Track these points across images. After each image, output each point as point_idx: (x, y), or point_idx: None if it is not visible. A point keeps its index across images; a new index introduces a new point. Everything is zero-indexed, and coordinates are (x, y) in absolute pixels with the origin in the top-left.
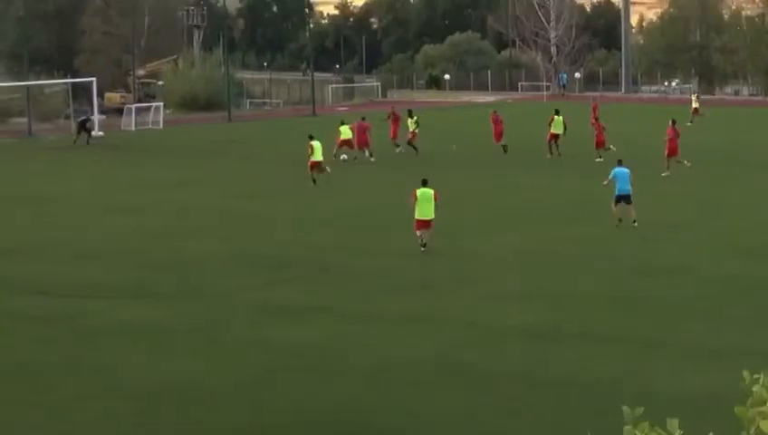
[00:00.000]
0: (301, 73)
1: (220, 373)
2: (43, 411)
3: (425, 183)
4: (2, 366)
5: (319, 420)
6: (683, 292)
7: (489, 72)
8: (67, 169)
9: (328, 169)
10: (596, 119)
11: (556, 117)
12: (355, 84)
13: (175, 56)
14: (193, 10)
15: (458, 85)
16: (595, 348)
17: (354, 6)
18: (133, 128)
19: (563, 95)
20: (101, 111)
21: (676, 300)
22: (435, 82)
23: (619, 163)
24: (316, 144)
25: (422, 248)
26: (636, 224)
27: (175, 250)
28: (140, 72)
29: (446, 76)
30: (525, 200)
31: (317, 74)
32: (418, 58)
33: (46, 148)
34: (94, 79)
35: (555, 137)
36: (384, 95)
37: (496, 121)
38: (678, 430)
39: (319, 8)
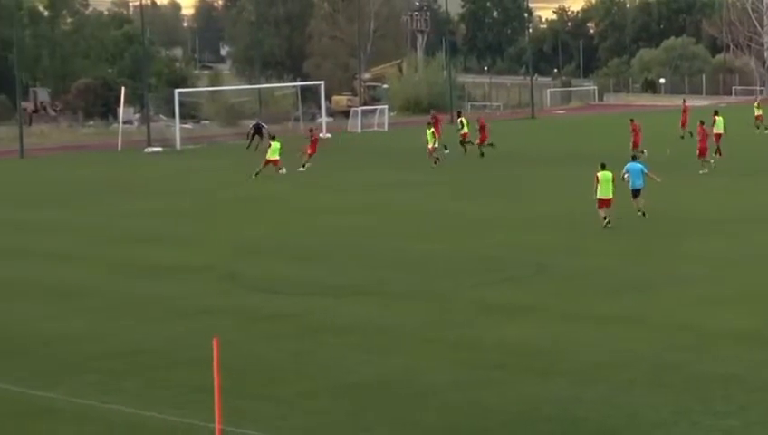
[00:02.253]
0: (521, 77)
1: (438, 372)
2: (272, 405)
3: (603, 166)
4: (235, 360)
5: (536, 418)
6: None
7: (703, 76)
8: (295, 168)
9: None
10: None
11: (717, 117)
12: (572, 88)
13: (399, 60)
14: (417, 15)
15: (673, 89)
16: None
17: (572, 11)
18: (359, 130)
19: None
20: (329, 114)
21: None
22: (650, 86)
23: (634, 159)
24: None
25: (608, 225)
26: (642, 214)
27: (396, 250)
28: (366, 75)
29: (662, 80)
30: (738, 204)
31: (535, 78)
32: (634, 62)
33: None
34: (322, 82)
35: (718, 137)
36: (601, 99)
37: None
38: None
39: (537, 13)
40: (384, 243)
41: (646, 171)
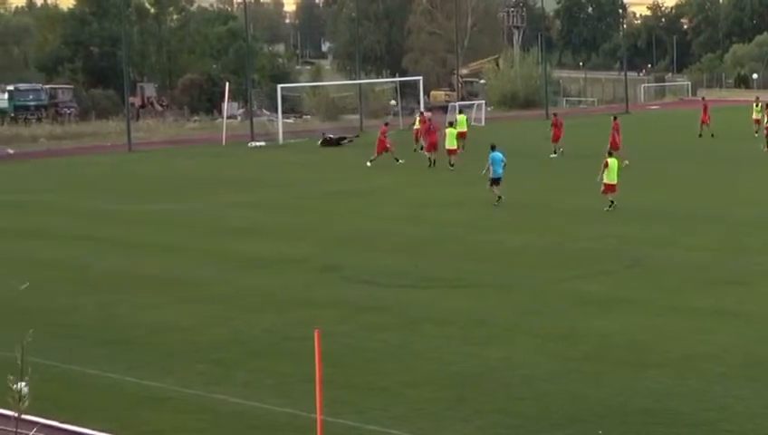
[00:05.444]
0: (616, 72)
1: (534, 363)
2: (374, 395)
3: (610, 154)
4: (335, 351)
5: (630, 409)
6: None
7: None
8: (389, 162)
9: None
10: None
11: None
12: (666, 83)
13: (496, 56)
14: (513, 11)
15: (766, 84)
16: None
17: (666, 7)
18: None
19: None
20: (427, 109)
21: None
22: (743, 81)
23: (493, 148)
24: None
25: (609, 208)
26: (502, 200)
27: (492, 242)
28: (464, 70)
29: (754, 75)
30: None
31: (630, 73)
32: (727, 57)
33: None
34: (420, 77)
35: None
36: (694, 94)
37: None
38: None
39: (632, 9)
40: (482, 235)
41: (505, 161)
